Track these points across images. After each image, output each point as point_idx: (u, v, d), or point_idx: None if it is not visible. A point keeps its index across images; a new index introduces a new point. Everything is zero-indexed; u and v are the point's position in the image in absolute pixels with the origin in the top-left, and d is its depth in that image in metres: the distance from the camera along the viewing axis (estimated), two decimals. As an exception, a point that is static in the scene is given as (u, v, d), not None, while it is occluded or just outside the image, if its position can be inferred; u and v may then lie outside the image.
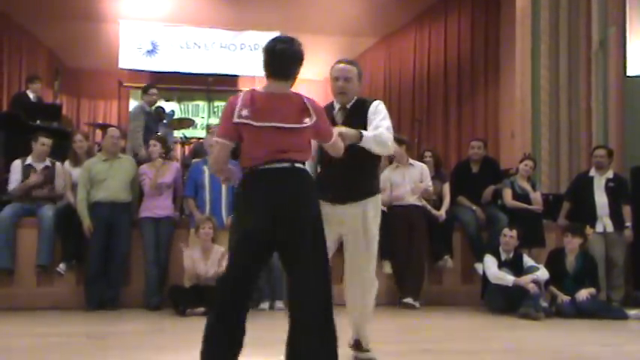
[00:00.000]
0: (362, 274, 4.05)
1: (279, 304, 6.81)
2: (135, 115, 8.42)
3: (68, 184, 6.94)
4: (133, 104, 11.68)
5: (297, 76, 3.40)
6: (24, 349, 4.69)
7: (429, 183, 7.18)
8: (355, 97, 3.99)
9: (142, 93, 8.76)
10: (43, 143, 6.86)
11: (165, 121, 10.43)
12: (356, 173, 3.93)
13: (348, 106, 3.97)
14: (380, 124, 3.84)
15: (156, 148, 7.04)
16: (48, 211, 6.69)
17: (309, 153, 3.42)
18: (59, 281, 6.74)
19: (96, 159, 6.92)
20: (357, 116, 3.90)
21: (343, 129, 3.64)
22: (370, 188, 4.01)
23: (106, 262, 6.62)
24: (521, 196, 7.46)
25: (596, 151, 7.76)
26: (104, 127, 9.91)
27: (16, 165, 6.86)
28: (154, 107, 8.83)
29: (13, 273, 6.62)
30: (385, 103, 4.03)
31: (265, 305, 6.78)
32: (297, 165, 3.26)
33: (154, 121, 8.53)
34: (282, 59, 3.31)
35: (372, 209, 3.96)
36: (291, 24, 13.72)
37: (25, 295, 6.68)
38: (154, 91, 8.71)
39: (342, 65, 3.94)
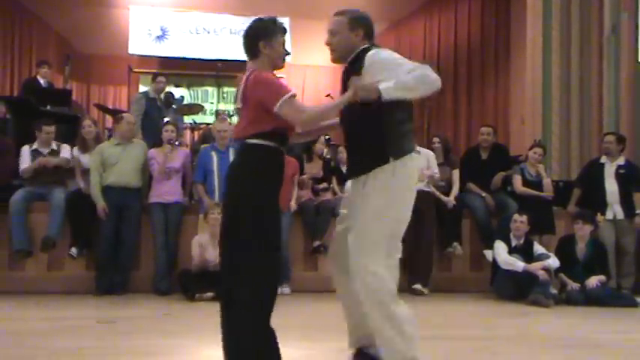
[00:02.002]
0: (352, 265, 3.24)
1: (286, 289, 6.84)
2: (135, 101, 8.44)
3: (78, 169, 6.96)
4: (143, 90, 11.68)
5: (255, 54, 3.23)
6: (34, 332, 4.72)
7: (435, 170, 7.15)
8: (358, 50, 3.33)
9: (152, 80, 8.78)
10: (47, 132, 6.89)
11: (174, 107, 10.45)
12: (354, 140, 3.38)
13: (347, 64, 3.38)
14: (398, 73, 3.07)
15: (170, 133, 7.04)
16: (60, 194, 6.72)
17: (252, 126, 3.14)
18: (70, 265, 6.79)
19: (108, 143, 6.95)
20: (355, 74, 3.24)
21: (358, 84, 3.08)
22: (372, 157, 3.22)
23: (115, 247, 6.65)
24: (532, 182, 7.43)
25: (605, 137, 7.72)
26: (114, 113, 9.93)
27: (25, 151, 6.90)
28: (162, 94, 8.84)
29: (31, 255, 6.66)
30: None
31: (272, 290, 6.79)
32: (243, 143, 3.17)
33: (159, 108, 8.53)
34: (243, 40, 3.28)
35: (375, 181, 3.20)
36: (301, 10, 13.70)
37: (35, 279, 6.74)
38: (161, 78, 8.72)
39: (330, 19, 3.43)
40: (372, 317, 3.16)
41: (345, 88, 3.28)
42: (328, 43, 3.39)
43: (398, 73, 3.07)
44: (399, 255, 3.29)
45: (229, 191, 3.19)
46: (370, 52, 3.22)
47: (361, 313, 3.28)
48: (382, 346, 3.17)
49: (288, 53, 3.35)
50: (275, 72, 3.32)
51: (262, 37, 3.19)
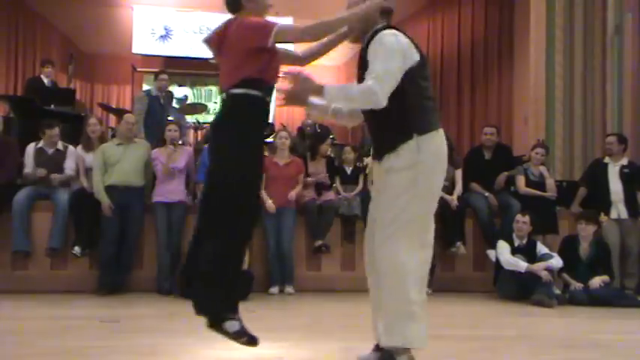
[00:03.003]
0: (375, 252, 3.17)
1: (289, 288, 6.85)
2: (138, 99, 8.45)
3: (81, 168, 6.97)
4: (146, 88, 11.70)
5: (236, 7, 3.33)
6: (37, 331, 4.73)
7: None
8: (372, 30, 3.21)
9: (154, 78, 8.77)
10: (50, 135, 6.91)
11: (177, 106, 10.45)
12: (374, 117, 3.21)
13: (363, 46, 3.23)
14: (372, 70, 3.02)
15: (173, 132, 7.04)
16: (63, 195, 6.74)
17: (238, 72, 3.12)
18: (73, 265, 6.80)
19: (111, 143, 6.96)
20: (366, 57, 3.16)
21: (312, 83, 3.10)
22: (395, 134, 3.11)
23: (119, 246, 6.66)
24: (535, 182, 7.42)
25: (607, 138, 7.74)
26: (117, 112, 9.96)
27: (29, 149, 6.92)
28: (163, 92, 8.84)
29: (29, 256, 6.68)
30: None
31: (275, 290, 6.82)
32: (228, 94, 3.15)
33: (161, 106, 8.53)
34: None
35: (398, 159, 3.09)
36: (304, 10, 13.67)
37: (39, 278, 6.75)
38: (163, 76, 8.71)
39: None
40: (386, 300, 3.11)
41: (361, 67, 3.19)
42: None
43: (374, 66, 3.02)
44: (431, 236, 3.24)
45: (215, 142, 3.17)
46: (378, 35, 3.10)
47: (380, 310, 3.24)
48: (386, 327, 3.13)
49: (271, 5, 3.30)
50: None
51: None
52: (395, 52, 3.03)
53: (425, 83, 3.16)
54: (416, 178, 3.06)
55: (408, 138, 3.07)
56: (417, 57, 3.11)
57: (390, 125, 3.12)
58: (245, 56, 3.06)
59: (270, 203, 6.89)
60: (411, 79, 3.05)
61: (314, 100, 3.20)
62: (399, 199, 3.07)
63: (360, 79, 3.14)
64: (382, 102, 2.99)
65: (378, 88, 2.97)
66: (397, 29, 3.18)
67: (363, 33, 3.22)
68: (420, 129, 3.09)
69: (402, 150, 3.08)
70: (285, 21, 14.67)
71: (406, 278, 3.06)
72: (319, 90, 3.07)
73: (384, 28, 3.16)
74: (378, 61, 3.01)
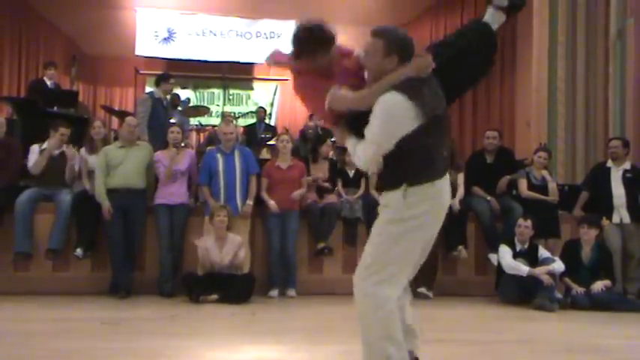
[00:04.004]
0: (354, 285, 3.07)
1: (292, 291, 6.85)
2: (141, 102, 8.42)
3: (84, 170, 6.98)
4: (149, 91, 11.72)
5: (307, 57, 3.15)
6: (39, 333, 4.74)
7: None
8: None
9: (157, 82, 8.68)
10: (62, 133, 6.91)
11: (180, 108, 10.47)
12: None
13: None
14: (367, 131, 2.96)
15: (176, 135, 7.05)
16: (66, 196, 6.75)
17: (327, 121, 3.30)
18: (74, 266, 6.81)
19: (113, 145, 6.97)
20: None
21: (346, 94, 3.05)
22: (389, 176, 3.07)
23: (126, 248, 6.68)
24: (537, 186, 7.42)
25: (611, 142, 7.71)
26: (120, 114, 9.96)
27: (34, 149, 6.93)
28: (169, 95, 8.84)
29: (31, 257, 6.68)
30: None
31: (275, 293, 6.81)
32: None
33: (165, 109, 8.53)
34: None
35: (387, 203, 3.06)
36: (307, 13, 13.69)
37: (40, 279, 6.75)
38: (172, 81, 8.72)
39: (369, 38, 3.14)
40: (365, 334, 3.03)
41: None
42: (362, 63, 3.16)
43: (369, 128, 2.95)
44: (402, 280, 3.08)
45: None
46: (386, 95, 2.92)
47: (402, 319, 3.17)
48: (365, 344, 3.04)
49: None
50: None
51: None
52: (391, 119, 2.91)
53: (430, 140, 2.99)
54: (401, 235, 2.99)
55: (397, 185, 3.00)
56: (418, 121, 2.91)
57: (388, 165, 3.06)
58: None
59: (272, 203, 6.90)
60: (411, 138, 2.92)
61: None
62: (382, 244, 3.01)
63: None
64: (366, 168, 3.11)
65: (362, 156, 3.03)
66: (412, 85, 2.95)
67: (378, 79, 3.07)
68: (411, 180, 2.98)
69: (391, 195, 3.02)
70: (290, 25, 14.75)
71: (382, 319, 2.97)
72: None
73: (397, 87, 2.95)
74: (373, 124, 2.94)
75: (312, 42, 3.11)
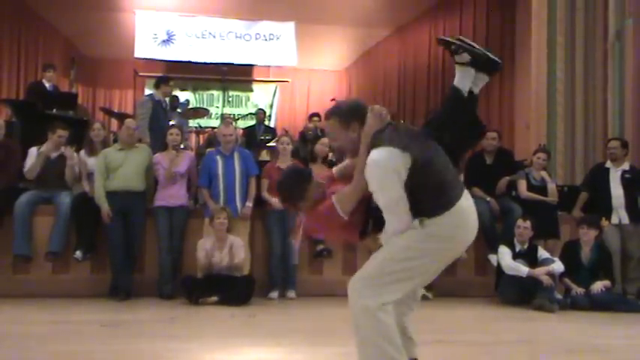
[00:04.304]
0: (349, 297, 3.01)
1: (291, 293, 6.85)
2: (141, 104, 8.42)
3: (84, 172, 6.98)
4: (148, 93, 11.73)
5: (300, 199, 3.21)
6: (38, 335, 4.74)
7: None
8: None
9: (156, 85, 8.68)
10: (60, 135, 6.91)
11: (179, 110, 10.47)
12: None
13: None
14: (380, 202, 2.93)
15: (175, 137, 7.05)
16: (65, 198, 6.74)
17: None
18: (74, 269, 6.80)
19: (112, 148, 6.96)
20: None
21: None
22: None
23: (126, 251, 6.68)
24: (536, 187, 7.43)
25: (610, 142, 7.72)
26: (119, 116, 9.97)
27: (32, 152, 6.93)
28: (167, 97, 8.84)
29: (30, 260, 6.68)
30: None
31: (275, 294, 6.81)
32: None
33: (164, 111, 8.54)
34: None
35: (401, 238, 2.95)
36: (306, 15, 13.73)
37: (40, 282, 6.75)
38: (171, 83, 8.73)
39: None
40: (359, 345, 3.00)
41: None
42: (334, 148, 3.22)
43: (379, 198, 2.92)
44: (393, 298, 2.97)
45: None
46: (370, 159, 2.90)
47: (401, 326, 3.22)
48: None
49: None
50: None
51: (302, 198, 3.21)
52: (385, 172, 2.86)
53: (431, 168, 2.94)
54: (414, 257, 2.94)
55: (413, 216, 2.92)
56: (409, 160, 2.86)
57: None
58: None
59: (275, 200, 6.90)
60: (412, 177, 2.87)
61: None
62: (392, 261, 2.94)
63: None
64: (408, 225, 2.91)
65: (399, 227, 2.92)
66: (383, 136, 2.95)
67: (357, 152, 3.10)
68: (428, 214, 2.91)
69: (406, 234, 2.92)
70: (289, 27, 14.77)
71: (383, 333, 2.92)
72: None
73: (373, 144, 2.96)
74: (376, 192, 2.91)
75: (297, 185, 3.20)
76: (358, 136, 3.05)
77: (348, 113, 3.10)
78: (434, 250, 2.98)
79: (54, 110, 8.49)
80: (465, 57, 3.17)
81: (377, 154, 2.87)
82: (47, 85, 9.25)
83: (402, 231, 2.92)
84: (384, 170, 2.85)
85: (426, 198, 2.92)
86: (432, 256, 2.99)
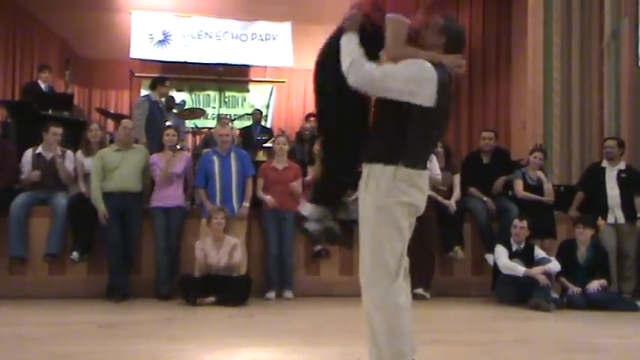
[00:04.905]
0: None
1: (288, 293, 6.84)
2: (138, 105, 8.42)
3: (80, 173, 6.96)
4: (144, 94, 11.72)
5: None
6: (35, 337, 4.73)
7: (436, 172, 7.10)
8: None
9: (152, 86, 8.67)
10: (54, 132, 6.89)
11: (175, 111, 10.46)
12: (373, 123, 3.13)
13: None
14: (385, 53, 3.00)
15: (172, 137, 7.04)
16: (61, 200, 6.73)
17: None
18: (70, 270, 6.79)
19: (109, 149, 6.95)
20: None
21: None
22: (388, 146, 2.95)
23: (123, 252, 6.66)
24: (533, 187, 7.43)
25: (606, 142, 7.73)
26: (115, 117, 9.95)
27: (27, 155, 6.91)
28: (164, 98, 8.84)
29: (25, 261, 6.67)
30: None
31: (272, 295, 6.81)
32: None
33: (161, 111, 8.52)
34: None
35: (376, 184, 2.94)
36: (303, 15, 13.72)
37: (36, 283, 6.73)
38: (168, 83, 8.72)
39: None
40: (370, 333, 2.98)
41: None
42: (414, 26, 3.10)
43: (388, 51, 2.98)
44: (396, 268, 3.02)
45: None
46: (424, 63, 2.97)
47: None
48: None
49: None
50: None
51: None
52: (416, 77, 2.90)
53: (434, 130, 3.04)
54: (388, 222, 2.94)
55: (390, 160, 2.93)
56: (431, 103, 2.91)
57: (385, 131, 2.99)
58: None
59: (269, 198, 6.90)
60: (419, 116, 2.91)
61: None
62: (368, 227, 2.99)
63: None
64: (347, 69, 2.94)
65: (358, 72, 2.92)
66: (444, 72, 3.00)
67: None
68: (407, 160, 2.93)
69: (380, 171, 2.94)
70: (285, 27, 14.76)
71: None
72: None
73: (435, 65, 2.98)
74: (398, 65, 2.92)
75: None
76: (432, 45, 3.05)
77: (451, 30, 3.14)
78: (401, 210, 2.96)
79: (49, 111, 8.46)
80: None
81: (431, 68, 2.91)
82: (43, 85, 9.23)
83: (345, 63, 2.93)
84: (420, 75, 2.89)
85: (414, 144, 2.94)
86: (400, 218, 2.98)
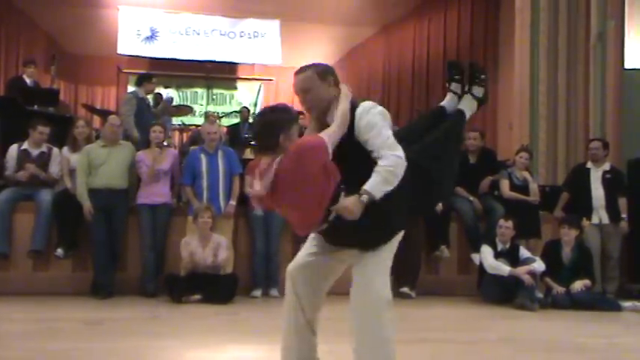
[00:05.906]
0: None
1: (274, 291, 6.84)
2: (126, 101, 8.37)
3: (66, 169, 6.92)
4: (131, 90, 11.67)
5: (274, 148, 2.93)
6: (18, 334, 4.70)
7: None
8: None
9: (139, 82, 8.64)
10: (41, 132, 6.84)
11: (160, 107, 10.40)
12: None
13: (328, 119, 3.06)
14: (378, 145, 2.92)
15: (158, 134, 7.00)
16: (46, 196, 6.68)
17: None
18: (55, 266, 6.74)
19: (95, 145, 6.90)
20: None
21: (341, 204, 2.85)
22: (384, 228, 3.16)
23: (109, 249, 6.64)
24: (519, 187, 7.47)
25: (591, 143, 7.78)
26: (102, 113, 9.89)
27: (12, 150, 6.85)
28: (150, 95, 8.80)
29: (8, 257, 6.62)
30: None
31: (258, 292, 6.80)
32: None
33: (148, 107, 8.49)
34: None
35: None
36: (290, 13, 13.72)
37: (21, 279, 6.68)
38: (155, 80, 8.69)
39: (295, 78, 3.10)
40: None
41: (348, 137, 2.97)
42: (305, 102, 3.08)
43: (376, 141, 2.93)
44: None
45: None
46: (360, 109, 2.98)
47: None
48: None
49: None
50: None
51: (282, 130, 2.89)
52: (384, 119, 2.99)
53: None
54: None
55: (388, 239, 3.20)
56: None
57: (378, 217, 2.96)
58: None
59: (257, 185, 6.86)
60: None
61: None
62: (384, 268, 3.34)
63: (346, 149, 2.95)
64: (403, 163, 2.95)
65: (398, 153, 2.93)
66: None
67: (325, 110, 3.09)
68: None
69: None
70: (273, 25, 14.74)
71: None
72: (365, 201, 2.85)
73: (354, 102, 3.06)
74: (379, 131, 2.93)
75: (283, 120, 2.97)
76: (331, 92, 3.04)
77: (326, 69, 3.12)
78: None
79: (35, 106, 8.40)
80: (481, 92, 3.33)
81: (369, 103, 3.02)
82: (28, 80, 9.14)
83: (402, 159, 2.93)
84: (382, 113, 2.99)
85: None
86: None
